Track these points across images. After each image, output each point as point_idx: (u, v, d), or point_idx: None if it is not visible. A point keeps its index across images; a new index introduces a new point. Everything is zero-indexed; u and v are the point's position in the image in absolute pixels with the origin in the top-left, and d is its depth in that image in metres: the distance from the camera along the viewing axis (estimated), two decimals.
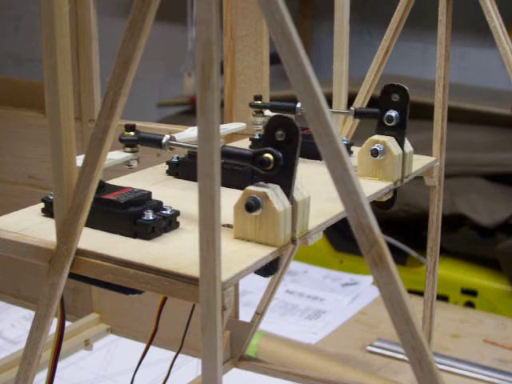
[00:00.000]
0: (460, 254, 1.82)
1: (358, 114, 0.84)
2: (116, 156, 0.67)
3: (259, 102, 0.87)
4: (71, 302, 1.14)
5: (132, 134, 0.68)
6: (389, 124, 0.79)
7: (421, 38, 2.43)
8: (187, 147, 0.66)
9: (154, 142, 0.67)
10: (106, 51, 1.14)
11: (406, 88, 0.78)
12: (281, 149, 0.57)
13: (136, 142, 0.68)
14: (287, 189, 0.58)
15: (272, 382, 1.01)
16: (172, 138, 0.66)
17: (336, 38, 0.90)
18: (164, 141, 0.66)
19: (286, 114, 0.58)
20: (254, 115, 0.87)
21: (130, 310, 1.09)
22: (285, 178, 0.58)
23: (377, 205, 0.83)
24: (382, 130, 0.79)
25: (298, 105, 0.85)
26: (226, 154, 0.60)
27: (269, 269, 0.60)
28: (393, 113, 0.79)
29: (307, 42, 2.63)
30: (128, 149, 0.68)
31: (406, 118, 0.79)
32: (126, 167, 0.69)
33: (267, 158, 0.57)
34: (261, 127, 0.87)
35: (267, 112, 0.87)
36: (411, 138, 0.83)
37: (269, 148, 0.57)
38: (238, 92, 0.94)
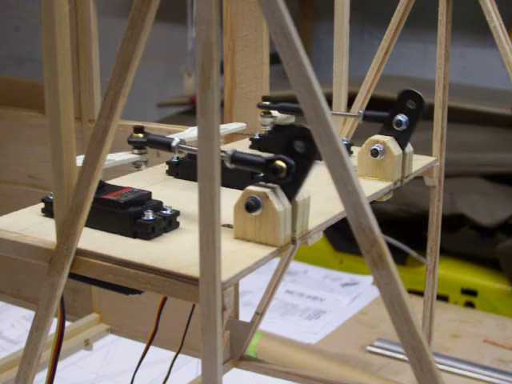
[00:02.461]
0: (460, 254, 1.82)
1: (366, 118, 0.84)
2: (123, 157, 0.67)
3: (267, 103, 0.87)
4: (71, 302, 1.14)
5: (141, 135, 0.67)
6: (397, 128, 0.79)
7: (421, 38, 2.43)
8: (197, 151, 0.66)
9: (164, 145, 0.66)
10: (106, 51, 1.14)
11: (423, 98, 0.78)
12: (296, 158, 0.57)
13: (145, 144, 0.67)
14: (292, 194, 0.58)
15: (272, 382, 1.01)
16: (182, 142, 0.66)
17: (336, 38, 0.90)
18: (174, 144, 0.65)
19: (306, 126, 0.58)
20: (262, 116, 0.87)
21: (130, 310, 1.09)
22: (294, 184, 0.58)
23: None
24: (388, 131, 0.79)
25: None
26: (238, 161, 0.59)
27: None
28: (403, 118, 0.78)
29: (307, 42, 2.63)
30: (136, 151, 0.68)
31: (415, 125, 0.79)
32: (126, 167, 0.69)
33: (280, 165, 0.57)
34: (269, 128, 0.87)
35: (275, 113, 0.87)
36: (411, 138, 0.83)
37: (280, 155, 0.57)
38: (238, 92, 0.94)
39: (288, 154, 0.57)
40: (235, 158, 0.59)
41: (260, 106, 0.87)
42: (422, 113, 0.78)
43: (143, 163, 0.69)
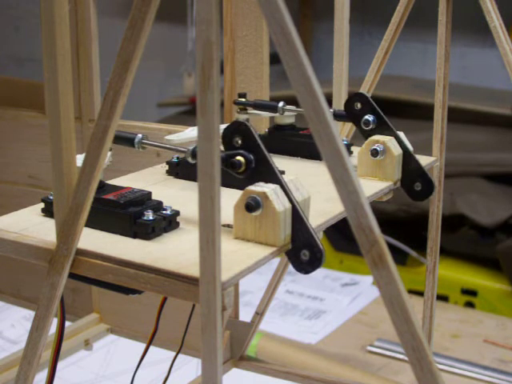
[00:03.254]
0: (460, 254, 1.82)
1: (336, 117, 0.85)
2: None
3: (243, 100, 0.88)
4: (71, 302, 1.14)
5: None
6: (367, 128, 0.80)
7: (421, 38, 2.43)
8: (160, 147, 0.67)
9: (127, 140, 0.67)
10: (106, 51, 1.14)
11: (363, 92, 0.81)
12: (250, 152, 0.59)
13: None
14: (281, 187, 0.59)
15: (272, 382, 1.01)
16: (145, 137, 0.67)
17: (336, 38, 0.90)
18: (136, 140, 0.67)
19: (239, 120, 0.60)
20: (238, 112, 0.88)
21: (130, 310, 1.09)
22: (271, 179, 0.59)
23: (412, 198, 0.82)
24: (367, 134, 0.80)
25: (281, 104, 0.85)
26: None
27: (312, 261, 0.59)
28: (369, 117, 0.81)
29: (307, 42, 2.63)
30: None
31: (381, 115, 0.80)
32: (126, 167, 0.69)
33: (238, 160, 0.58)
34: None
35: (251, 110, 0.88)
36: (411, 137, 0.83)
37: (241, 151, 0.58)
38: (238, 92, 0.93)
39: (229, 149, 0.59)
40: (196, 153, 0.60)
41: (236, 103, 0.88)
42: (371, 103, 0.80)
43: (110, 158, 0.69)
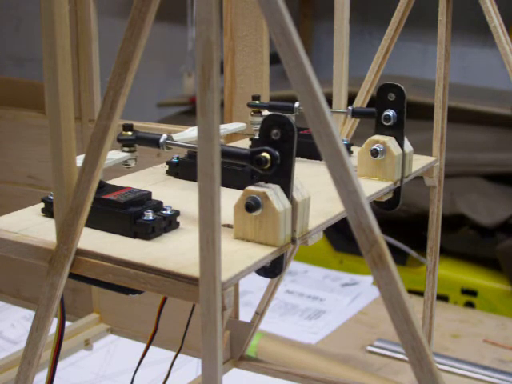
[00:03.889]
0: (460, 254, 1.82)
1: (355, 114, 0.84)
2: (114, 156, 0.67)
3: (257, 102, 0.87)
4: (71, 302, 1.14)
5: (130, 133, 0.68)
6: (386, 123, 0.79)
7: (421, 38, 2.43)
8: (184, 146, 0.67)
9: (152, 141, 0.67)
10: (106, 51, 1.14)
11: (402, 87, 0.79)
12: (277, 148, 0.57)
13: (134, 141, 0.68)
14: (286, 188, 0.58)
15: (272, 382, 1.01)
16: (169, 138, 0.66)
17: (336, 38, 0.90)
18: (161, 140, 0.66)
19: (281, 113, 0.59)
20: (252, 115, 0.87)
21: (130, 310, 1.09)
22: (283, 177, 0.58)
23: (378, 205, 0.83)
24: (381, 129, 0.80)
25: (296, 104, 0.85)
26: (224, 154, 0.60)
27: (272, 270, 0.60)
28: (390, 112, 0.79)
29: (307, 42, 2.63)
30: (126, 148, 0.68)
31: (404, 117, 0.79)
32: (125, 167, 0.69)
33: (264, 157, 0.57)
34: (259, 127, 0.87)
35: (265, 112, 0.87)
36: (411, 138, 0.83)
37: (266, 147, 0.57)
38: (238, 92, 0.94)
39: (267, 145, 0.58)
40: (220, 150, 0.60)
41: (250, 105, 0.87)
42: (405, 102, 0.79)
43: (133, 161, 0.69)
